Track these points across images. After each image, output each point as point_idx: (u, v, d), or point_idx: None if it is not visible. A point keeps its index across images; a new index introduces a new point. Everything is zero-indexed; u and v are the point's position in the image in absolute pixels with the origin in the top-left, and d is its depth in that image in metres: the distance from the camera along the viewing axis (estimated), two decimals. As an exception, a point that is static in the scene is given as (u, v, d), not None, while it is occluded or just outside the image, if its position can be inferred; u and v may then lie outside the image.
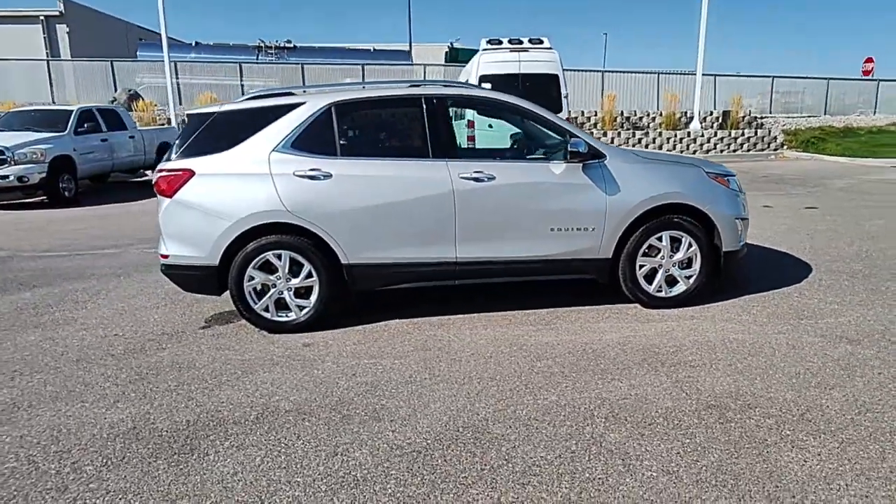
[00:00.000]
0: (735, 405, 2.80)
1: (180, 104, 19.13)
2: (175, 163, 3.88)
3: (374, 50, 26.90)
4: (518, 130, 5.14)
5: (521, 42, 11.01)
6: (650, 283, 4.21)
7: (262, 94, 4.15)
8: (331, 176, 3.84)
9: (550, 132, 4.22)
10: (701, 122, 20.05)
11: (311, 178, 3.84)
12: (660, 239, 4.14)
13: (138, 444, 2.63)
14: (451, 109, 4.20)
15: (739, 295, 4.46)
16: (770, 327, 3.81)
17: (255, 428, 2.75)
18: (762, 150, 19.35)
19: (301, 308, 3.98)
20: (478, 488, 2.24)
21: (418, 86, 4.20)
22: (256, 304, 3.94)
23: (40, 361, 3.61)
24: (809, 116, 22.89)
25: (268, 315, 3.97)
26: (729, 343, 3.57)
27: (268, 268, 3.92)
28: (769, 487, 2.18)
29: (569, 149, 3.90)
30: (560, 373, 3.24)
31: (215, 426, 2.77)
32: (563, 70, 10.95)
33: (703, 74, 19.78)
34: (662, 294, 4.23)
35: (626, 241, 4.11)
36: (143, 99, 19.65)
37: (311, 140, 3.93)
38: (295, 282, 3.94)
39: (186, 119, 4.10)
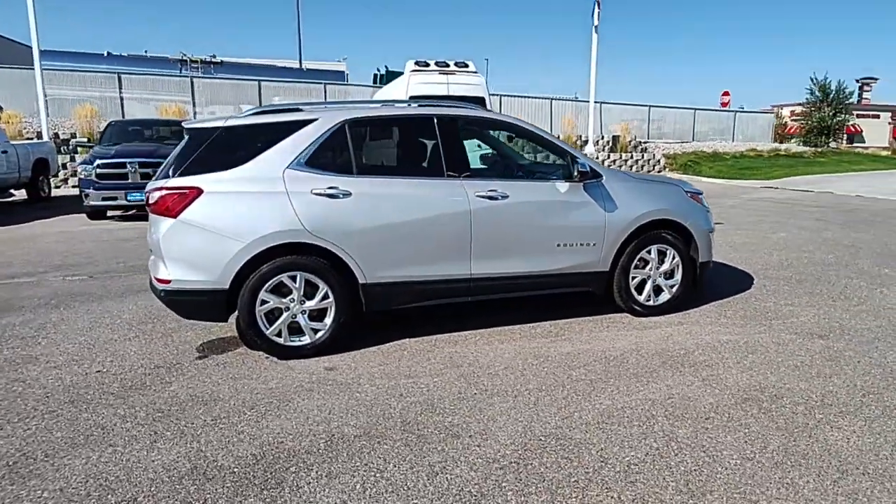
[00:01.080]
0: (765, 397, 3.19)
1: (48, 116, 17.22)
2: (179, 180, 3.62)
3: (307, 69, 26.54)
4: (490, 150, 5.41)
5: (447, 65, 11.38)
6: (640, 293, 4.61)
7: (267, 109, 4.00)
8: (350, 194, 3.80)
9: (552, 152, 4.50)
10: (595, 146, 21.82)
11: (331, 196, 3.77)
12: (649, 252, 4.56)
13: (213, 484, 2.43)
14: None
15: (706, 302, 5.00)
16: (749, 328, 4.34)
17: (332, 456, 2.65)
18: (648, 171, 21.44)
19: (315, 331, 3.85)
20: (594, 490, 2.37)
21: (426, 106, 4.29)
22: (268, 329, 3.76)
23: (25, 406, 3.17)
24: (682, 142, 25.80)
25: (280, 340, 3.80)
26: (725, 344, 4.02)
27: (280, 290, 3.77)
28: (835, 463, 2.54)
29: (579, 169, 4.21)
30: (599, 379, 3.46)
31: (288, 457, 2.64)
32: (489, 94, 11.47)
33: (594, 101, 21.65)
34: (650, 303, 4.64)
35: (622, 254, 4.48)
36: (2, 110, 17.45)
37: (326, 158, 3.87)
38: (310, 304, 3.81)
39: (186, 134, 3.84)
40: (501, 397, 3.24)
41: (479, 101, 11.15)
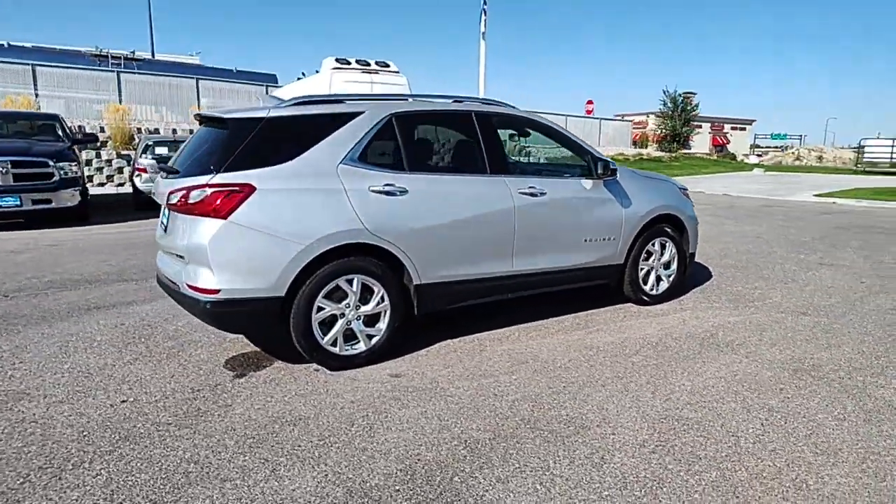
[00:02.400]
0: (806, 367, 3.64)
1: None
2: (227, 176, 3.22)
3: (237, 71, 24.78)
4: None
5: (368, 63, 11.21)
6: (646, 283, 4.97)
7: (308, 100, 3.69)
8: (406, 192, 3.65)
9: (573, 150, 4.67)
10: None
11: (388, 193, 3.60)
12: (653, 245, 4.94)
13: (396, 498, 2.24)
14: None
15: (687, 290, 5.52)
16: (743, 310, 4.88)
17: (486, 461, 2.56)
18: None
19: (370, 338, 3.65)
20: (751, 461, 2.56)
21: (461, 101, 4.24)
22: (324, 338, 3.49)
23: (64, 451, 2.63)
24: (557, 147, 27.72)
25: (335, 350, 3.54)
26: (736, 325, 4.49)
27: (335, 296, 3.51)
28: (905, 415, 3.00)
29: (610, 167, 4.43)
30: (660, 364, 3.69)
31: (440, 467, 2.50)
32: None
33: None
34: (654, 292, 5.03)
35: (633, 248, 4.79)
36: None
37: (377, 153, 3.69)
38: (365, 309, 3.60)
39: (228, 124, 3.41)
40: (591, 388, 3.33)
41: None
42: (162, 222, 3.84)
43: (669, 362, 3.72)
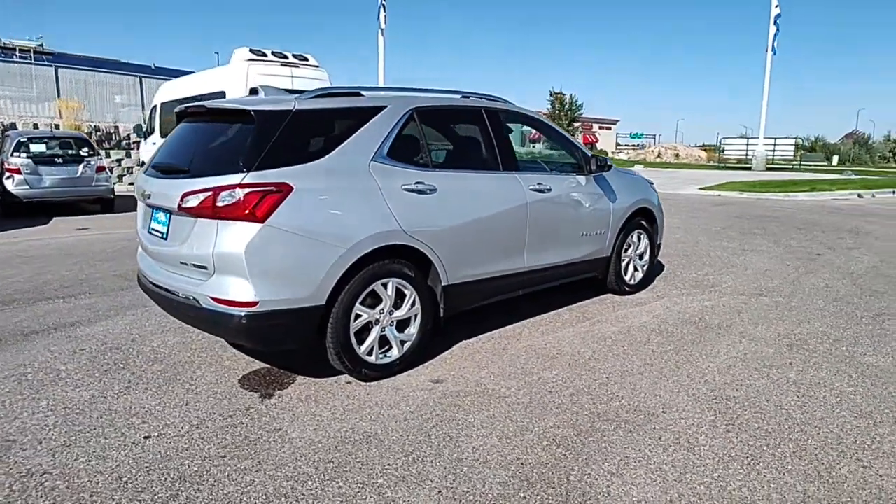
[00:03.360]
0: (796, 342, 4.05)
1: None
2: (261, 174, 2.90)
3: (156, 67, 22.06)
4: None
5: (286, 56, 10.68)
6: (626, 274, 5.23)
7: (327, 91, 3.42)
8: (435, 190, 3.53)
9: (565, 148, 4.77)
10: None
11: (419, 192, 3.46)
12: (631, 237, 5.21)
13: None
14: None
15: (651, 279, 5.89)
16: (710, 295, 5.31)
17: (588, 457, 2.56)
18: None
19: (402, 344, 3.49)
20: (810, 427, 2.81)
21: (469, 97, 4.17)
22: (360, 347, 3.28)
23: (136, 498, 2.24)
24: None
25: (371, 359, 3.35)
26: (714, 308, 4.87)
27: (367, 302, 3.31)
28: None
29: (607, 163, 4.60)
30: (678, 349, 3.91)
31: (549, 469, 2.46)
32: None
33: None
34: (633, 282, 5.31)
35: (618, 240, 5.03)
36: None
37: (403, 149, 3.52)
38: (398, 314, 3.45)
39: (254, 117, 3.04)
40: (632, 377, 3.45)
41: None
42: (154, 229, 3.38)
43: (683, 347, 3.95)
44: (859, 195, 14.72)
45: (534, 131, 5.80)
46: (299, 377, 3.42)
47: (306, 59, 10.92)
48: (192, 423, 2.87)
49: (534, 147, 19.14)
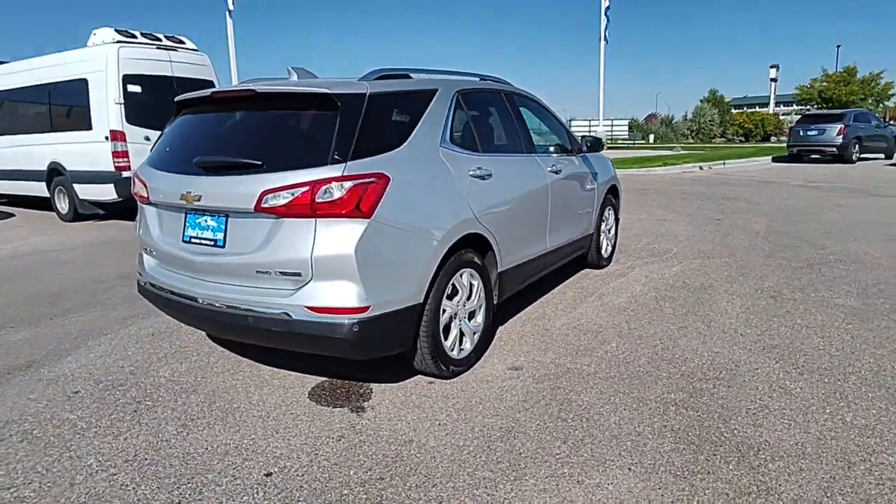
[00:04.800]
0: (776, 294, 4.67)
1: None
2: (359, 165, 2.62)
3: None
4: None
5: (159, 38, 9.53)
6: (601, 248, 5.58)
7: (382, 73, 3.15)
8: (490, 175, 3.48)
9: (553, 127, 4.91)
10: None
11: (480, 178, 3.39)
12: (607, 212, 5.56)
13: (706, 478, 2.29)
14: None
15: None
16: (672, 261, 5.87)
17: (742, 421, 2.76)
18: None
19: (474, 335, 3.42)
20: (869, 359, 3.31)
21: (486, 79, 4.11)
22: (446, 344, 3.16)
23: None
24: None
25: (454, 354, 3.24)
26: (687, 272, 5.40)
27: (448, 294, 3.19)
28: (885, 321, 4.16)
29: (602, 141, 4.82)
30: (694, 310, 4.30)
31: (703, 428, 2.61)
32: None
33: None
34: (606, 256, 5.68)
35: (598, 216, 5.34)
36: None
37: (459, 134, 3.42)
38: (470, 305, 3.36)
39: (337, 101, 2.68)
40: (682, 339, 3.74)
41: (209, 86, 9.77)
42: (196, 237, 2.90)
43: (693, 308, 4.36)
44: (700, 167, 17.07)
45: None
46: (371, 385, 3.19)
47: (183, 43, 9.80)
48: (305, 450, 2.56)
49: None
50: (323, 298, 2.61)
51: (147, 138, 8.83)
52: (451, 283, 3.13)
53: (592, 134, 11.41)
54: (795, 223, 7.87)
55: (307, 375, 3.32)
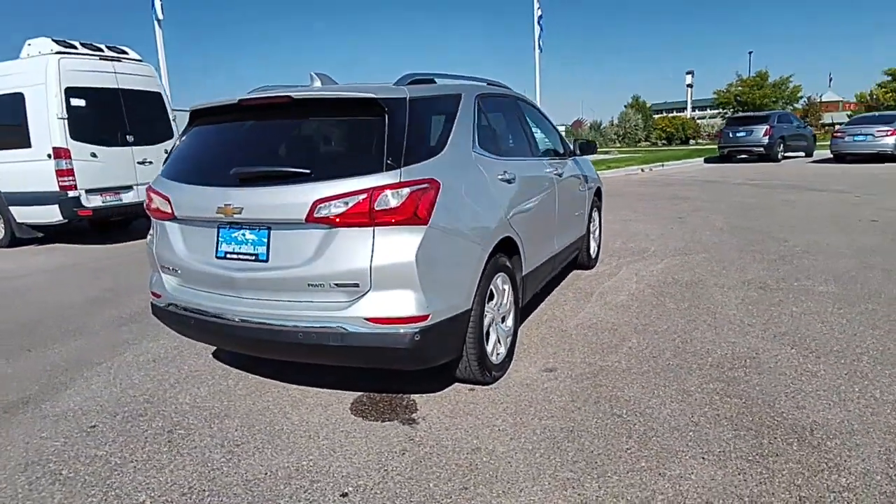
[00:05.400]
0: (764, 284, 4.95)
1: None
2: (413, 170, 2.59)
3: None
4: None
5: (101, 49, 9.02)
6: (589, 249, 5.72)
7: (412, 78, 3.11)
8: (515, 179, 3.51)
9: (549, 132, 5.00)
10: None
11: (507, 181, 3.41)
12: (594, 214, 5.72)
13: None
14: None
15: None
16: (653, 259, 6.10)
17: (774, 384, 2.90)
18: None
19: (507, 339, 3.43)
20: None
21: (493, 84, 4.13)
22: (488, 349, 3.16)
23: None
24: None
25: (494, 360, 3.24)
26: (672, 269, 5.63)
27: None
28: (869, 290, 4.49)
29: (594, 147, 4.95)
30: (691, 304, 4.49)
31: (752, 413, 2.73)
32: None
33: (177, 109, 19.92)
34: (594, 256, 5.83)
35: (589, 218, 5.48)
36: None
37: (485, 138, 3.44)
38: (503, 309, 3.38)
39: (383, 104, 2.62)
40: (698, 331, 3.90)
41: (157, 98, 9.39)
42: (233, 252, 2.76)
43: (693, 302, 4.55)
44: (642, 170, 17.84)
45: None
46: (412, 397, 3.13)
47: (126, 53, 9.30)
48: (372, 467, 2.48)
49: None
50: (383, 309, 2.55)
51: (94, 155, 8.33)
52: (489, 287, 3.13)
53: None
54: (752, 219, 8.37)
55: (339, 391, 3.23)
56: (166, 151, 9.51)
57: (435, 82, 3.34)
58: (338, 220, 2.51)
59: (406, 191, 2.53)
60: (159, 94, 9.48)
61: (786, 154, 19.76)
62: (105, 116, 8.62)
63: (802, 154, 20.93)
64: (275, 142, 2.87)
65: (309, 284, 2.60)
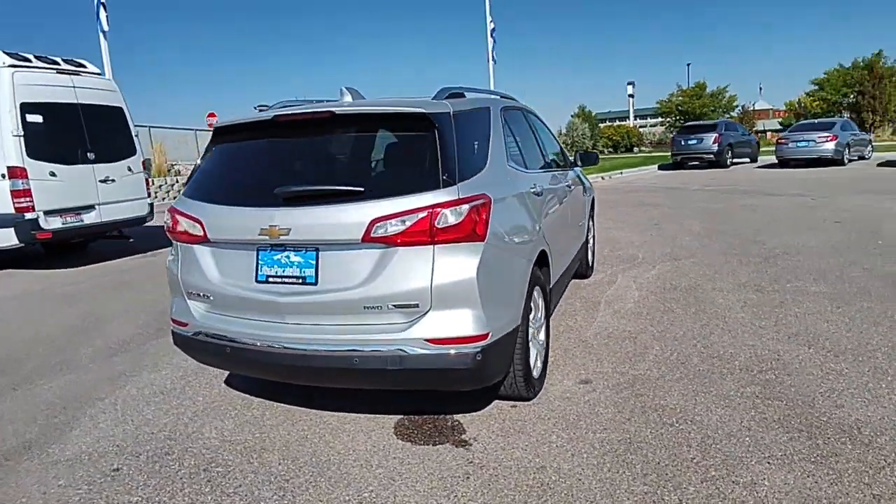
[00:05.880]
0: (764, 283, 5.12)
1: None
2: (468, 186, 2.53)
3: None
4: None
5: (56, 62, 8.55)
6: (587, 258, 5.79)
7: (448, 92, 3.04)
8: (542, 192, 3.51)
9: (550, 145, 5.02)
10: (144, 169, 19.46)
11: (537, 195, 3.40)
12: (591, 222, 5.79)
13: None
14: None
15: (577, 261, 6.59)
16: (645, 266, 6.22)
17: (806, 384, 2.97)
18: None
19: (542, 352, 3.40)
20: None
21: (504, 97, 4.12)
22: (530, 363, 3.12)
23: None
24: (195, 162, 25.59)
25: (535, 374, 3.20)
26: (666, 274, 5.76)
27: (523, 313, 3.16)
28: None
29: (595, 158, 5.01)
30: (698, 309, 4.60)
31: (797, 413, 2.80)
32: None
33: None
34: (591, 266, 5.90)
35: (587, 227, 5.54)
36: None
37: (511, 151, 3.42)
38: (538, 323, 3.35)
39: (432, 118, 2.54)
40: (715, 336, 3.99)
41: (118, 113, 8.98)
42: (276, 276, 2.62)
43: (699, 307, 4.66)
44: (602, 178, 18.29)
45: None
46: (455, 417, 3.06)
47: (84, 66, 8.85)
48: (440, 493, 2.40)
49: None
50: (444, 329, 2.48)
51: (52, 174, 7.86)
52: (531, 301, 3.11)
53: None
54: (723, 223, 8.69)
55: (377, 416, 3.12)
56: (129, 169, 9.10)
57: (465, 96, 3.31)
58: (398, 239, 2.43)
59: (465, 207, 2.48)
60: (121, 108, 9.05)
61: (734, 160, 20.71)
62: (64, 133, 8.16)
63: (747, 160, 21.97)
64: (318, 159, 2.76)
65: (365, 307, 2.50)
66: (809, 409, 2.91)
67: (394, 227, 2.43)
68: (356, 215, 2.45)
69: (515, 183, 3.13)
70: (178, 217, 2.85)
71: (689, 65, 54.67)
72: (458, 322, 2.49)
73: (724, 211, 10.00)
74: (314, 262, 2.57)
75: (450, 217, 2.45)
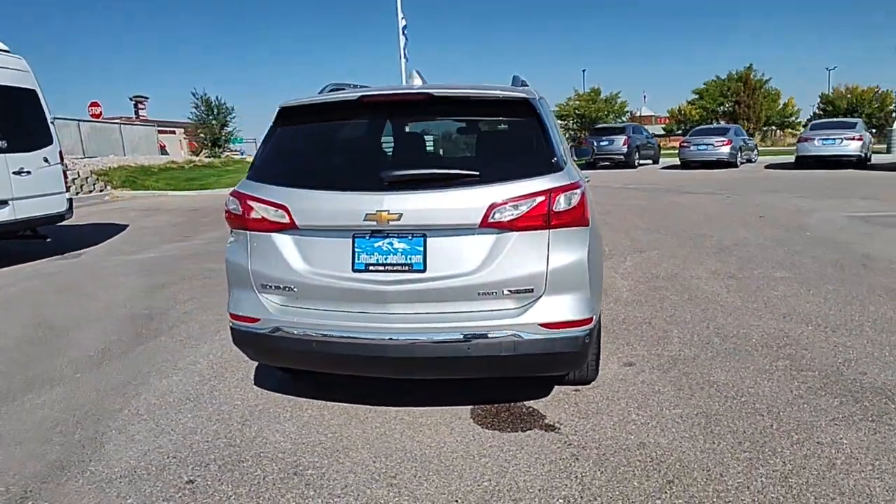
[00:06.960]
0: (742, 274, 5.60)
1: None
2: (570, 172, 2.61)
3: None
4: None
5: (-46, 37, 7.49)
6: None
7: (520, 79, 3.07)
8: (588, 181, 3.63)
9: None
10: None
11: (587, 182, 3.51)
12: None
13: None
14: None
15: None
16: (626, 259, 6.58)
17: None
18: (89, 192, 18.84)
19: (590, 338, 3.54)
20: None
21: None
22: (591, 349, 3.24)
23: None
24: (87, 157, 23.36)
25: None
26: (647, 265, 6.13)
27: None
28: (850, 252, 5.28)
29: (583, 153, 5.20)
30: (693, 296, 4.96)
31: (855, 393, 3.13)
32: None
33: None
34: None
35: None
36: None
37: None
38: (591, 308, 3.48)
39: (533, 105, 2.55)
40: (730, 321, 4.33)
41: (30, 95, 8.07)
42: (380, 263, 2.53)
43: (690, 293, 5.03)
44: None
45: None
46: (525, 404, 3.11)
47: (-11, 42, 7.83)
48: (563, 477, 2.45)
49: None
50: (557, 313, 2.53)
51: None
52: (594, 286, 3.22)
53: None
54: (662, 218, 9.37)
55: (445, 408, 3.09)
56: (45, 160, 8.15)
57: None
58: (513, 223, 2.44)
59: (578, 191, 2.56)
60: (34, 91, 8.09)
61: (640, 161, 22.30)
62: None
63: (650, 161, 23.75)
64: (416, 142, 2.69)
65: (479, 293, 2.49)
66: (840, 377, 3.27)
67: (511, 212, 2.44)
68: (474, 200, 2.44)
69: (577, 174, 3.23)
70: (254, 203, 2.65)
71: (584, 70, 58.14)
72: (570, 306, 2.55)
73: (653, 208, 10.77)
74: (422, 249, 2.51)
75: (563, 201, 2.50)
